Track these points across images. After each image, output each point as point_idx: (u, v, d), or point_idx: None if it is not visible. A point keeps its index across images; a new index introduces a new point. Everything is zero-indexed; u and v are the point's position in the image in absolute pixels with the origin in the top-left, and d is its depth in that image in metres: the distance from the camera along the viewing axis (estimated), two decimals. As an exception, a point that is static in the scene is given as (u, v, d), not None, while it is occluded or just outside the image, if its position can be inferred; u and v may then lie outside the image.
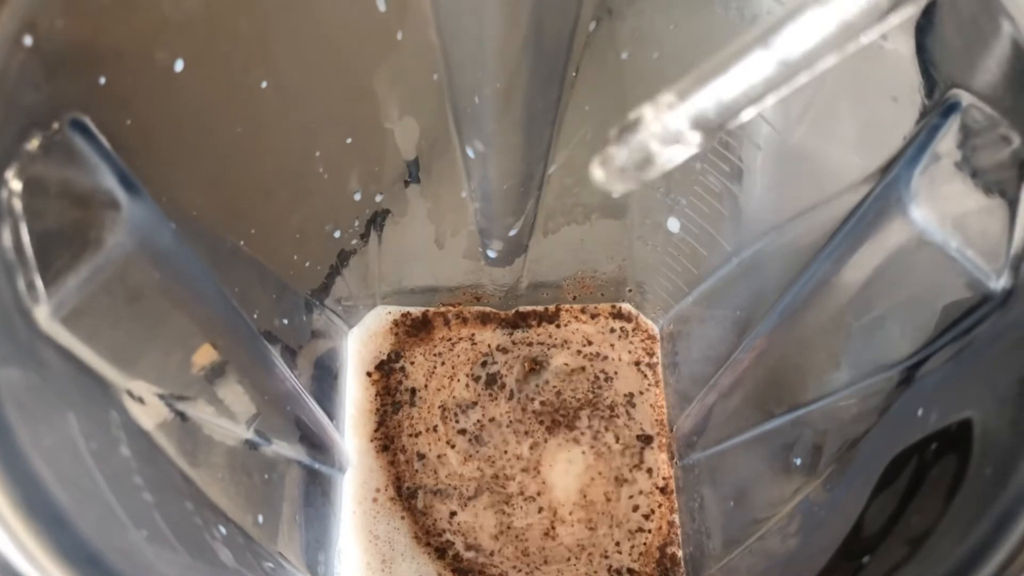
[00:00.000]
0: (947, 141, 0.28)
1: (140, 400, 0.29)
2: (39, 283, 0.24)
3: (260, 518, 0.38)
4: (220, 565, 0.31)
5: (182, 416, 0.32)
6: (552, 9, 0.34)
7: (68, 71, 0.27)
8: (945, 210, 0.27)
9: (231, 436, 0.36)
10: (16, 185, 0.24)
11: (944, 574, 0.20)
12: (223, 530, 0.33)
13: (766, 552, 0.39)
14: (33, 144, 0.25)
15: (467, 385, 0.53)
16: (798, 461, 0.38)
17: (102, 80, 0.28)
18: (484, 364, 0.54)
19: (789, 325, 0.38)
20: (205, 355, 0.33)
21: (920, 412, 0.29)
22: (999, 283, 0.26)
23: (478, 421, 0.52)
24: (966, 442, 0.25)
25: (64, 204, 0.26)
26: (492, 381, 0.53)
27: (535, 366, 0.54)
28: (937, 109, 0.28)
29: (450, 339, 0.55)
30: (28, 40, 0.24)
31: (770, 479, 0.41)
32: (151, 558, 0.24)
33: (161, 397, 0.31)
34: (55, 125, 0.26)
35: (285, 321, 0.44)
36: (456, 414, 0.52)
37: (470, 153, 0.43)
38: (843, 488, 0.33)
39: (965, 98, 0.27)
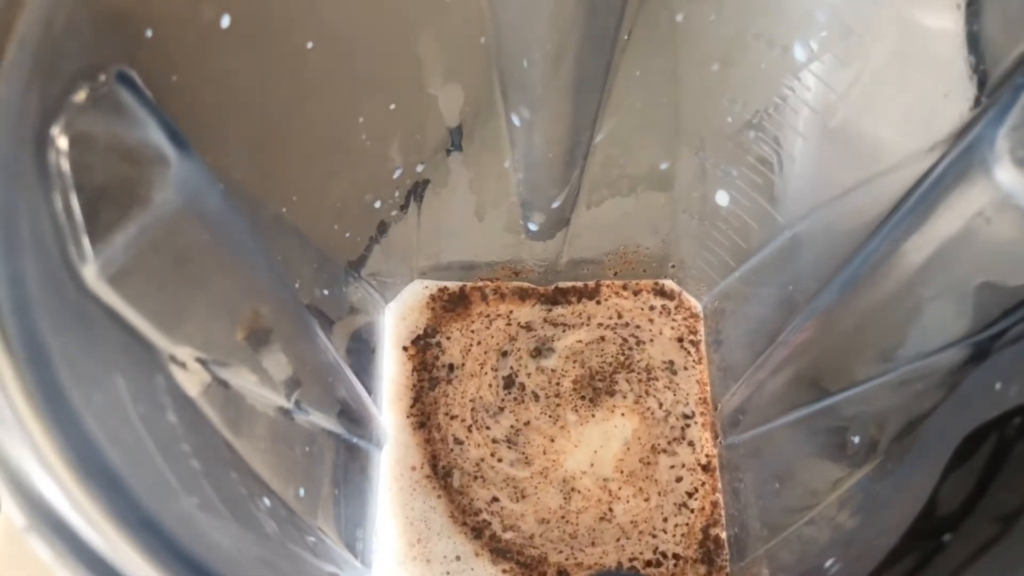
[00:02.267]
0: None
1: (184, 366, 0.28)
2: (86, 242, 0.24)
3: (301, 491, 0.37)
4: (266, 536, 0.30)
5: (225, 384, 0.31)
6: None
7: (115, 23, 0.26)
8: (1034, 171, 0.26)
9: (272, 406, 0.35)
10: (63, 138, 0.23)
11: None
12: (267, 502, 0.33)
13: (819, 534, 0.38)
14: (80, 96, 0.24)
15: (494, 391, 0.52)
16: (856, 440, 0.37)
17: (149, 33, 0.27)
18: (505, 371, 0.53)
19: (849, 299, 0.36)
20: (250, 322, 0.32)
21: (999, 386, 0.28)
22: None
23: (511, 426, 0.51)
24: (1055, 416, 0.24)
25: (112, 159, 0.25)
26: (511, 383, 0.52)
27: (536, 353, 0.53)
28: (1020, 68, 0.27)
29: (488, 315, 0.54)
30: (75, -12, 0.23)
31: (821, 460, 0.40)
32: (204, 526, 0.23)
33: (204, 363, 0.30)
34: (102, 77, 0.25)
35: (326, 292, 0.43)
36: (488, 424, 0.51)
37: (515, 120, 0.42)
38: (909, 467, 0.32)
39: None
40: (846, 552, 0.34)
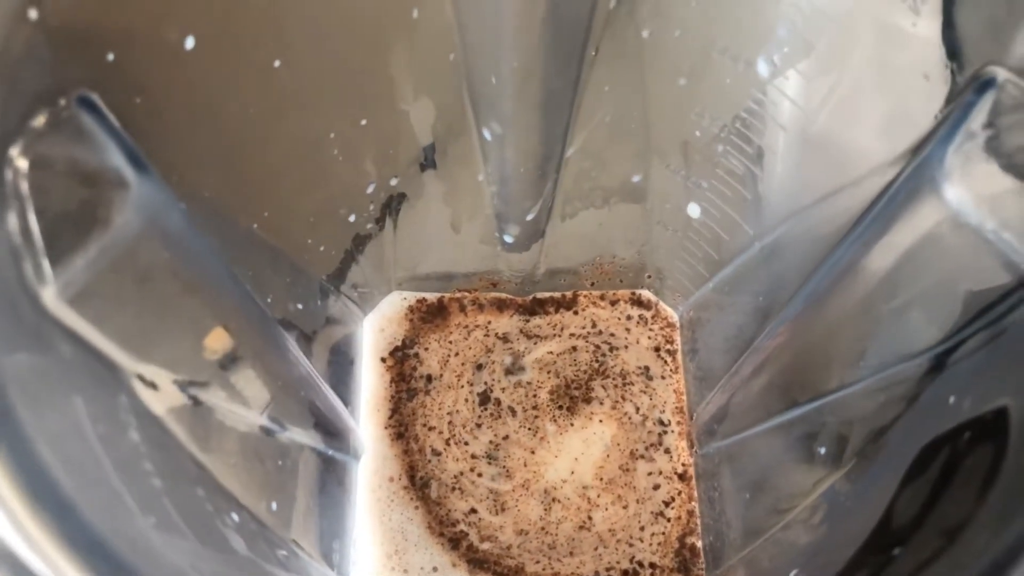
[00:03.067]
0: (981, 118, 0.27)
1: (151, 385, 0.29)
2: (46, 263, 0.24)
3: (274, 505, 0.38)
4: (231, 552, 0.31)
5: (194, 401, 0.31)
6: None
7: (75, 47, 0.26)
8: (980, 190, 0.26)
9: (244, 422, 0.36)
10: (22, 163, 0.24)
11: (982, 568, 0.19)
12: (236, 517, 0.33)
13: (789, 543, 0.38)
14: (39, 121, 0.24)
15: (471, 407, 0.52)
16: (822, 450, 0.37)
17: (110, 56, 0.27)
18: (480, 386, 0.53)
19: (814, 311, 0.37)
20: (217, 339, 0.32)
21: (952, 400, 0.28)
22: (1037, 266, 0.25)
23: (490, 441, 0.52)
24: (1002, 431, 0.24)
25: (71, 182, 0.25)
26: (486, 399, 0.52)
27: (509, 371, 0.53)
28: (971, 86, 0.27)
29: (466, 326, 0.54)
30: (33, 14, 0.24)
31: (792, 469, 0.40)
32: (159, 545, 0.23)
33: (173, 382, 0.30)
34: (62, 102, 0.25)
35: (300, 306, 0.43)
36: (466, 440, 0.52)
37: (487, 135, 0.42)
38: (870, 478, 0.32)
39: (1001, 74, 0.26)
40: (810, 562, 0.34)
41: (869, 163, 0.33)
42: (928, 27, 0.30)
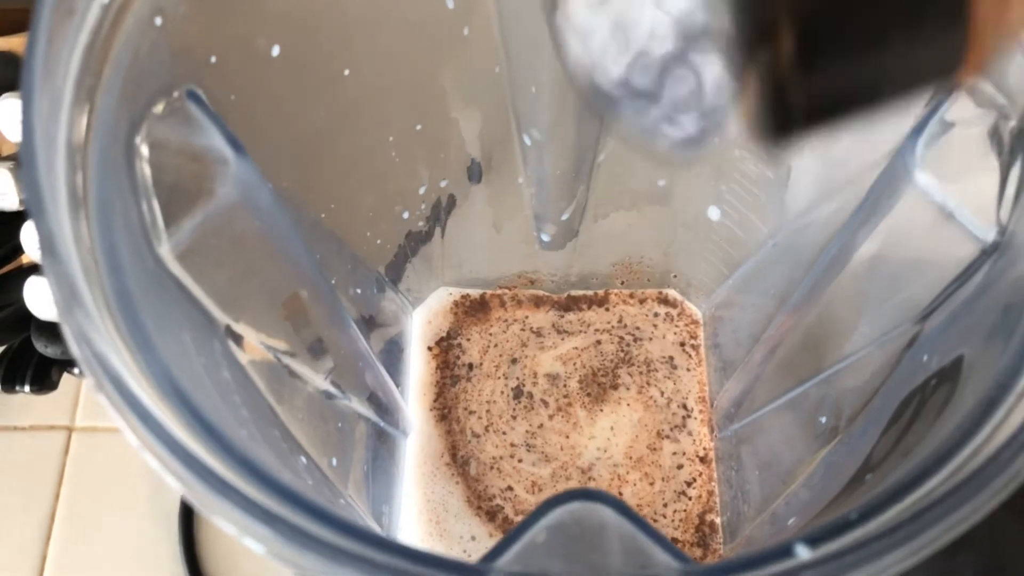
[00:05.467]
0: (948, 114, 0.31)
1: (237, 337, 0.34)
2: (161, 222, 0.29)
3: (334, 461, 0.43)
4: (303, 480, 0.36)
5: (271, 357, 0.37)
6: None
7: (186, 51, 0.32)
8: (943, 173, 0.31)
9: (310, 383, 0.41)
10: (145, 142, 0.29)
11: (913, 469, 0.23)
12: (304, 460, 0.38)
13: (791, 504, 0.42)
14: (159, 108, 0.30)
15: (506, 399, 0.57)
16: (823, 420, 0.41)
17: (213, 59, 0.33)
18: (513, 381, 0.58)
19: (813, 296, 0.41)
20: (293, 304, 0.38)
21: (925, 358, 0.32)
22: (990, 236, 0.29)
23: (527, 431, 0.56)
24: (957, 373, 0.28)
25: (183, 158, 0.31)
26: (519, 394, 0.57)
27: (543, 363, 0.58)
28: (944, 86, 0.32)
29: (505, 320, 0.59)
30: (159, 21, 0.29)
31: (798, 441, 0.44)
32: (253, 448, 0.28)
33: (255, 337, 0.35)
34: (175, 94, 0.31)
35: (358, 291, 0.49)
36: (504, 430, 0.56)
37: (527, 141, 0.47)
38: (859, 435, 0.36)
39: (966, 77, 0.31)
40: (804, 510, 0.38)
41: (864, 160, 0.38)
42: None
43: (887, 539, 0.21)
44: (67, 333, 0.24)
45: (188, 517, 0.55)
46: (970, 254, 0.30)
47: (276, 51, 0.36)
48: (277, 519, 0.22)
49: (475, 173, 0.52)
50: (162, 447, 0.22)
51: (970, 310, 0.30)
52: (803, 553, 0.21)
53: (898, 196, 0.33)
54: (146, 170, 0.29)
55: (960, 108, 0.31)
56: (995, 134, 0.29)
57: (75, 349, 0.24)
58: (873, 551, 0.21)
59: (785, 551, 0.21)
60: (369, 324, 0.51)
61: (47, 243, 0.24)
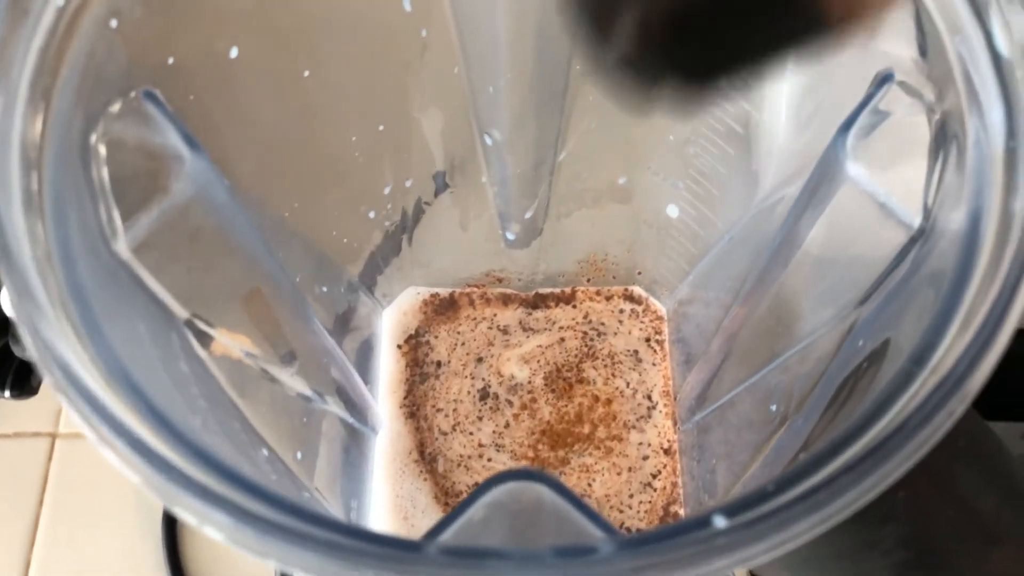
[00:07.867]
0: (879, 106, 0.32)
1: (196, 331, 0.35)
2: (117, 218, 0.30)
3: (299, 455, 0.43)
4: (263, 475, 0.36)
5: (230, 351, 0.38)
6: (554, 12, 0.40)
7: (144, 52, 0.32)
8: (872, 162, 0.32)
9: (275, 377, 0.42)
10: (102, 139, 0.30)
11: (830, 443, 0.24)
12: (266, 453, 0.39)
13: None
14: (115, 108, 0.31)
15: (472, 399, 0.58)
16: (774, 408, 0.42)
17: (170, 60, 0.34)
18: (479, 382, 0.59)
19: (762, 287, 0.42)
20: (253, 299, 0.39)
21: (860, 343, 0.33)
22: (917, 222, 0.30)
23: (493, 431, 0.57)
24: (883, 356, 0.30)
25: (139, 156, 0.32)
26: (485, 395, 0.58)
27: (507, 362, 0.59)
28: (874, 80, 0.33)
29: (474, 318, 0.60)
30: (114, 23, 0.30)
31: (754, 430, 0.45)
32: (206, 439, 0.29)
33: (214, 331, 0.36)
34: (132, 94, 0.32)
35: (324, 289, 0.50)
36: (471, 431, 0.57)
37: (487, 141, 0.48)
38: (802, 421, 0.37)
39: (897, 71, 0.32)
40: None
41: (811, 155, 0.39)
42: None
43: (797, 507, 0.22)
44: (20, 327, 0.25)
45: (172, 524, 0.56)
46: (901, 240, 0.31)
47: (235, 53, 0.37)
48: (231, 504, 0.23)
49: (439, 180, 0.53)
50: (113, 434, 0.23)
51: (898, 294, 0.31)
52: (720, 522, 0.22)
53: (835, 186, 0.34)
54: (102, 167, 0.30)
55: (890, 100, 0.32)
56: (923, 124, 0.31)
57: (27, 342, 0.25)
58: (784, 519, 0.22)
59: (704, 521, 0.22)
60: (339, 323, 0.52)
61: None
